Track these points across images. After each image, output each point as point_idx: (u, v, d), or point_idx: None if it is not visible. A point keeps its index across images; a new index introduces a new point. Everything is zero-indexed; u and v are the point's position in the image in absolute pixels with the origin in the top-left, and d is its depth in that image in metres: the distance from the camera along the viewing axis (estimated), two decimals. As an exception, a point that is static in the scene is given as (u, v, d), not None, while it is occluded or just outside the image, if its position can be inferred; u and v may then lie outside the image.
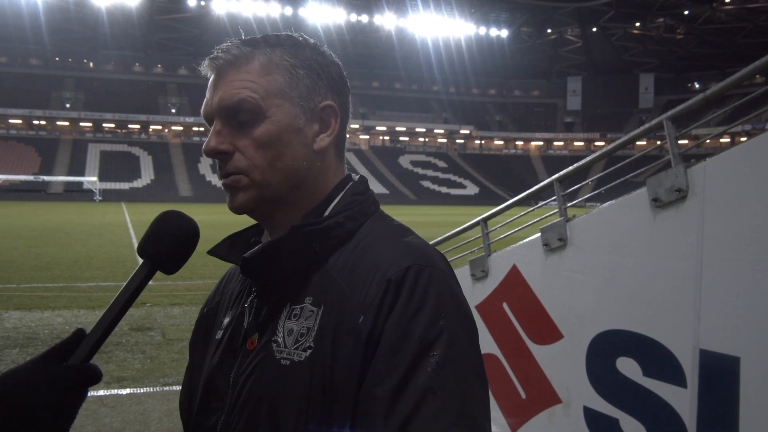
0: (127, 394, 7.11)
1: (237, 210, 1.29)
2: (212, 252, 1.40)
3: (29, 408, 1.04)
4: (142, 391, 7.24)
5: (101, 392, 7.07)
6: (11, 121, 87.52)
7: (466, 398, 1.10)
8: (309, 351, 1.16)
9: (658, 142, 4.31)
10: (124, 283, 1.20)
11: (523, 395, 4.13)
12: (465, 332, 1.15)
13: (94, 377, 1.12)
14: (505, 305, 4.26)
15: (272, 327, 1.23)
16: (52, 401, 1.05)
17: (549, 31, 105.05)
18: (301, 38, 1.32)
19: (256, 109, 1.24)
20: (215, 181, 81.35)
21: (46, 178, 72.36)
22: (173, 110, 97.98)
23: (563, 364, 3.84)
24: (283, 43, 1.29)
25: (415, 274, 1.14)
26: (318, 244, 1.24)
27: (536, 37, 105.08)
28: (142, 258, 1.22)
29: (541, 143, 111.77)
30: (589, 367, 3.59)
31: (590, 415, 3.57)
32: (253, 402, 1.20)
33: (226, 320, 1.37)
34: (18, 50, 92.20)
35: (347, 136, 1.39)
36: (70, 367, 1.09)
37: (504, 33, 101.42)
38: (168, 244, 1.23)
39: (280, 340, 1.21)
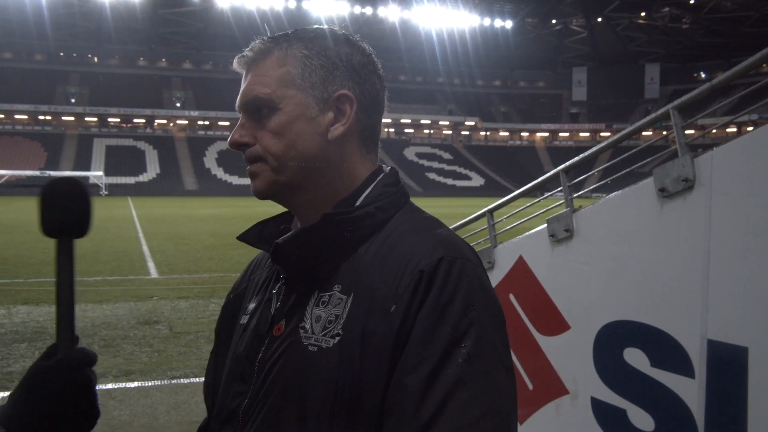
0: (134, 387, 7.15)
1: (257, 195, 1.34)
2: (241, 238, 1.43)
3: (48, 405, 1.12)
4: (149, 384, 7.28)
5: (109, 386, 7.11)
6: (17, 116, 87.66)
7: (495, 390, 1.12)
8: (337, 338, 1.18)
9: (664, 132, 4.30)
10: (56, 269, 1.20)
11: (530, 386, 4.13)
12: (494, 324, 1.17)
13: (88, 357, 1.20)
14: (511, 296, 4.26)
15: (299, 313, 1.25)
16: (62, 391, 1.13)
17: (554, 21, 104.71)
18: (323, 30, 1.34)
19: (269, 102, 1.27)
20: (221, 174, 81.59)
21: (52, 173, 72.33)
22: (178, 104, 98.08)
23: (570, 355, 3.83)
24: (303, 36, 1.32)
25: (447, 266, 1.16)
26: (349, 232, 1.26)
27: (541, 27, 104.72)
28: (51, 237, 1.20)
29: (546, 134, 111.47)
30: (597, 358, 3.59)
31: (598, 405, 3.57)
32: (278, 387, 1.22)
33: (252, 306, 1.39)
34: (22, 46, 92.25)
35: (378, 126, 1.39)
36: (61, 358, 1.16)
37: (508, 24, 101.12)
38: (61, 211, 1.20)
39: (307, 326, 1.22)
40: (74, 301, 1.20)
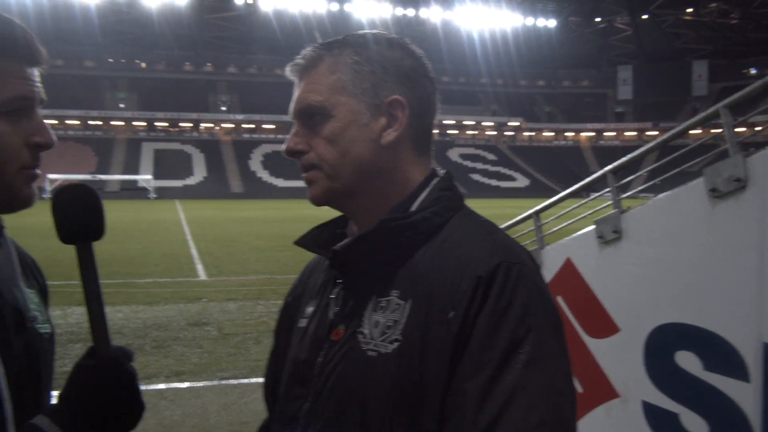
0: (185, 387, 7.28)
1: (313, 202, 1.35)
2: (298, 242, 1.45)
3: (96, 402, 1.18)
4: (200, 385, 7.40)
5: (161, 386, 7.25)
6: (68, 122, 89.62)
7: (554, 396, 1.12)
8: (396, 344, 1.19)
9: (714, 131, 4.22)
10: (80, 274, 1.23)
11: (580, 389, 4.09)
12: (552, 329, 1.18)
13: (126, 354, 1.25)
14: (559, 299, 4.22)
15: (358, 318, 1.26)
16: (107, 387, 1.18)
17: (598, 19, 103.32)
18: (373, 35, 1.35)
19: (322, 110, 1.29)
20: (266, 177, 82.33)
21: (103, 177, 74.07)
22: (223, 108, 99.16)
23: (620, 358, 3.79)
24: (354, 42, 1.33)
25: (505, 271, 1.16)
26: (405, 238, 1.26)
27: (585, 26, 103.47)
28: (69, 243, 1.24)
29: (591, 134, 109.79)
30: (647, 361, 3.54)
31: (649, 409, 3.53)
32: (339, 392, 1.23)
33: (310, 309, 1.41)
34: (73, 53, 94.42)
35: (431, 129, 1.39)
36: (102, 356, 1.21)
37: (552, 23, 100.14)
38: (73, 217, 1.23)
39: (366, 331, 1.23)
40: (103, 302, 1.23)
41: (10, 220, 1.38)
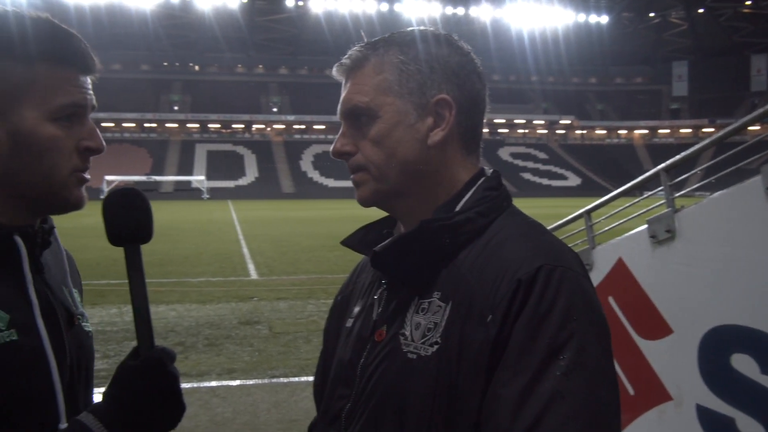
0: (237, 385, 7.38)
1: (361, 203, 1.34)
2: (345, 242, 1.45)
3: (139, 401, 1.21)
4: (251, 383, 7.50)
5: (213, 383, 7.37)
6: (124, 124, 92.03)
7: (595, 405, 1.08)
8: (436, 347, 1.17)
9: (774, 128, 4.10)
10: (128, 276, 1.27)
11: (632, 391, 4.02)
12: (596, 336, 1.13)
13: (169, 355, 1.27)
14: (611, 299, 4.16)
15: (400, 320, 1.25)
16: (150, 387, 1.21)
17: (652, 15, 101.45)
18: (419, 32, 1.32)
19: (368, 111, 1.28)
20: (317, 177, 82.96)
21: (158, 178, 75.77)
22: (275, 109, 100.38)
23: (673, 360, 3.71)
24: (399, 41, 1.31)
25: (547, 275, 1.13)
26: (448, 239, 1.24)
27: (638, 21, 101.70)
28: (117, 246, 1.27)
29: (645, 131, 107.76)
30: (702, 364, 3.46)
31: (704, 413, 3.45)
32: (379, 393, 1.22)
33: (357, 309, 1.41)
34: (130, 57, 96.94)
35: (479, 127, 1.36)
36: (145, 357, 1.24)
37: (604, 19, 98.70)
38: (122, 220, 1.27)
39: (407, 333, 1.22)
40: (148, 304, 1.26)
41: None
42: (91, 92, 1.35)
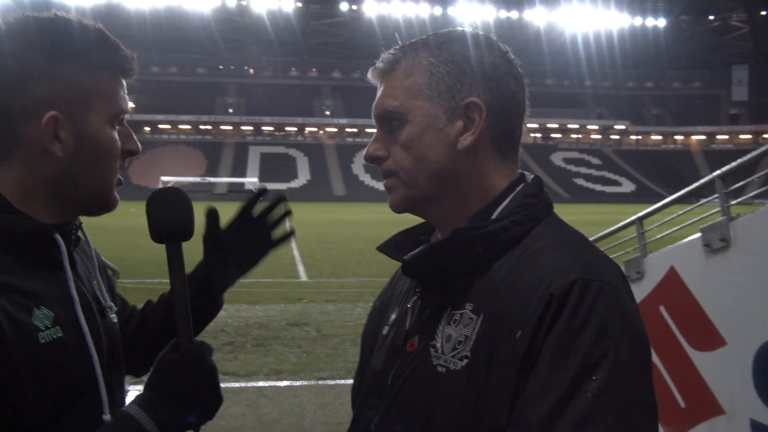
0: (284, 386, 7.44)
1: (392, 209, 1.31)
2: (381, 248, 1.41)
3: (180, 392, 1.24)
4: (298, 384, 7.54)
5: (261, 383, 7.44)
6: (181, 126, 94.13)
7: (628, 431, 1.00)
8: (465, 361, 1.12)
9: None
10: (169, 272, 1.29)
11: (683, 404, 3.93)
12: (634, 355, 1.05)
13: (208, 348, 1.29)
14: (662, 308, 4.08)
15: (431, 330, 1.21)
16: (191, 379, 1.24)
17: (711, 17, 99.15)
18: (453, 33, 1.29)
19: (398, 115, 1.25)
20: (368, 180, 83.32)
21: (212, 179, 77.02)
22: (327, 112, 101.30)
23: (727, 372, 3.62)
24: (432, 43, 1.27)
25: (581, 289, 1.06)
26: (481, 248, 1.18)
27: (696, 25, 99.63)
28: (159, 243, 1.30)
29: (703, 137, 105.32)
30: (757, 377, 3.36)
31: (758, 429, 3.35)
32: (407, 405, 1.20)
33: (393, 316, 1.37)
34: (186, 61, 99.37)
35: (516, 131, 1.29)
36: (186, 350, 1.26)
37: (661, 22, 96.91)
38: (164, 218, 1.30)
39: (438, 345, 1.18)
40: (188, 298, 1.29)
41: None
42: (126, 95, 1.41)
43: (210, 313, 1.69)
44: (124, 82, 1.38)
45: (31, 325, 1.21)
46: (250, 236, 1.72)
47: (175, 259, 1.29)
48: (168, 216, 1.30)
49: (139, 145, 1.42)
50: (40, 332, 1.22)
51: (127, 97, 1.39)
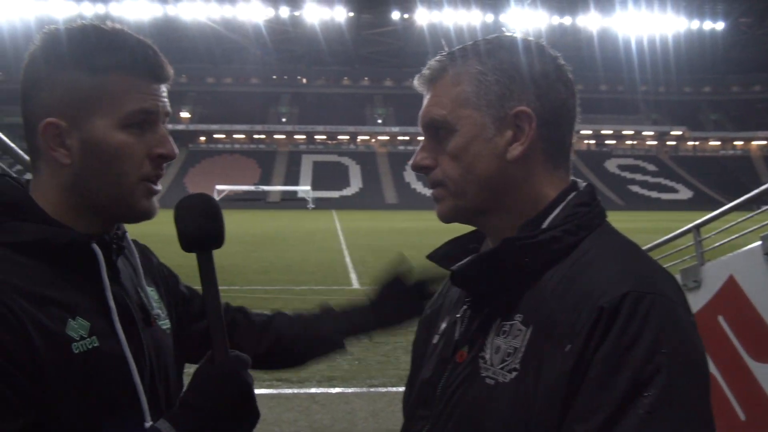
0: (336, 393, 7.47)
1: (441, 219, 1.29)
2: (430, 256, 1.40)
3: (214, 407, 1.22)
4: (350, 391, 7.57)
5: (313, 390, 7.49)
6: (235, 135, 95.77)
7: None
8: (514, 373, 1.11)
9: None
10: (201, 282, 1.27)
11: (743, 417, 3.84)
12: (689, 372, 1.01)
13: (244, 361, 1.27)
14: (720, 319, 3.99)
15: (481, 341, 1.20)
16: (225, 393, 1.22)
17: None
18: (501, 40, 1.26)
19: (446, 124, 1.23)
20: (420, 188, 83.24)
21: (265, 188, 78.13)
22: (379, 121, 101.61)
23: (789, 384, 3.53)
24: (479, 50, 1.24)
25: (633, 303, 1.02)
26: (530, 258, 1.16)
27: (757, 27, 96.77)
28: (189, 252, 1.26)
29: (763, 143, 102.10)
30: (820, 389, 3.27)
31: (821, 441, 3.26)
32: (455, 417, 1.18)
33: (443, 326, 1.36)
34: (240, 71, 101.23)
35: (567, 138, 1.27)
36: (220, 363, 1.24)
37: (720, 25, 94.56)
38: (192, 227, 1.26)
39: (487, 356, 1.17)
40: (222, 309, 1.26)
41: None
42: (164, 99, 1.37)
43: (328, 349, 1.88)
44: (149, 83, 1.34)
45: (65, 336, 1.22)
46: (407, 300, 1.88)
47: (206, 268, 1.25)
48: (196, 224, 1.26)
49: (174, 148, 1.39)
50: (74, 342, 1.23)
51: (155, 97, 1.35)
